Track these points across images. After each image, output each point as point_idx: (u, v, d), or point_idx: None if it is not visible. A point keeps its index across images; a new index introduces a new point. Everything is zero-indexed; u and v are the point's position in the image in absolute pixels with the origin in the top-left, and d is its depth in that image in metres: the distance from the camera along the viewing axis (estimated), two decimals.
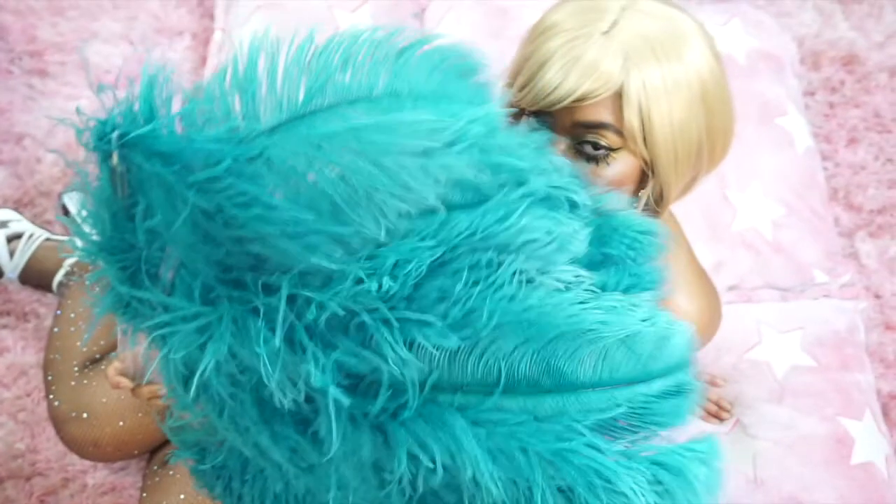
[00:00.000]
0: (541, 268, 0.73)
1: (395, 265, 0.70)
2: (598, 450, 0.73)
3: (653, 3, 0.91)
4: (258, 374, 0.71)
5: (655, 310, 0.77)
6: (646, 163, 0.92)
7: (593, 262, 0.79)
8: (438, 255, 0.70)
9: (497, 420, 0.73)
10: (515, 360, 0.72)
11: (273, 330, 0.69)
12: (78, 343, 1.38)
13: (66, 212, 1.56)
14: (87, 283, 0.77)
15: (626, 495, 0.73)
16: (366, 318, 0.70)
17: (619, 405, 0.73)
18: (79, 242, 0.74)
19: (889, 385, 1.53)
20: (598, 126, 0.89)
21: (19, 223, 1.56)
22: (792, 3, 1.89)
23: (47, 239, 1.55)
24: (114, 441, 1.32)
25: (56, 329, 1.41)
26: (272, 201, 0.66)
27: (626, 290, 0.79)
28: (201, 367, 0.71)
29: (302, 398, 0.72)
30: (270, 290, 0.70)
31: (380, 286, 0.69)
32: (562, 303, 0.73)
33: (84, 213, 0.73)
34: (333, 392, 0.70)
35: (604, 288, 0.78)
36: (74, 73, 1.77)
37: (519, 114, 0.95)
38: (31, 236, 1.54)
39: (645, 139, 0.89)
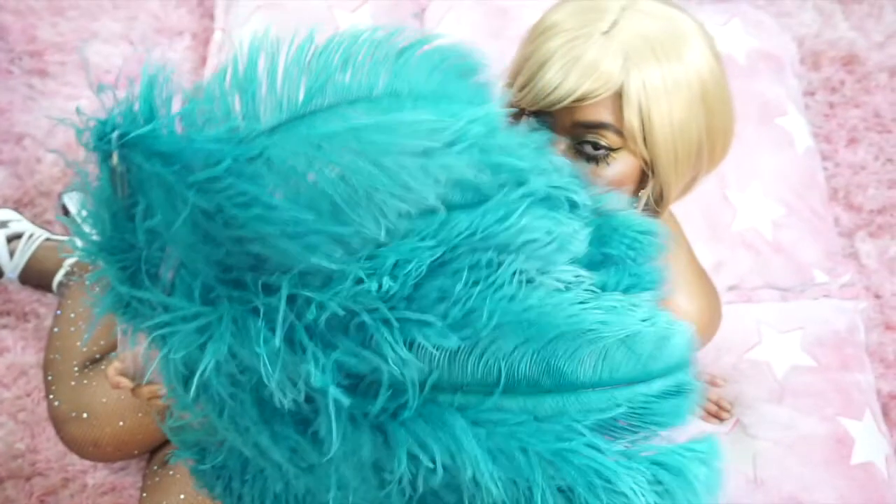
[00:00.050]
0: (541, 268, 0.73)
1: (395, 265, 0.70)
2: (598, 450, 0.73)
3: (653, 3, 0.91)
4: (258, 374, 0.71)
5: (655, 310, 0.77)
6: (646, 163, 0.92)
7: (593, 262, 0.79)
8: (438, 255, 0.70)
9: (497, 420, 0.73)
10: (515, 360, 0.72)
11: (273, 330, 0.69)
12: (78, 343, 1.38)
13: (66, 212, 1.56)
14: (87, 283, 0.77)
15: (625, 495, 0.73)
16: (366, 318, 0.70)
17: (619, 405, 0.73)
18: (79, 242, 0.74)
19: (889, 385, 1.53)
20: (598, 126, 0.89)
21: (19, 223, 1.56)
22: (792, 3, 1.89)
23: (47, 239, 1.55)
24: (114, 441, 1.32)
25: (56, 329, 1.41)
26: (272, 201, 0.66)
27: (626, 290, 0.79)
28: (201, 367, 0.71)
29: (302, 398, 0.72)
30: (270, 290, 0.70)
31: (380, 286, 0.69)
32: (562, 303, 0.73)
33: (84, 213, 0.73)
34: (333, 392, 0.70)
35: (604, 288, 0.78)
36: (74, 73, 1.77)
37: (519, 114, 0.95)
38: (31, 236, 1.54)
39: (645, 139, 0.89)
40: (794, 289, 1.53)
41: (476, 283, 0.71)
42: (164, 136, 0.66)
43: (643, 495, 0.73)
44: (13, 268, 1.53)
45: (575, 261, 0.76)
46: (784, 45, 1.74)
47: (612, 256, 0.80)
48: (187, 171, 0.65)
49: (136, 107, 0.67)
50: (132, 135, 0.66)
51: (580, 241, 0.76)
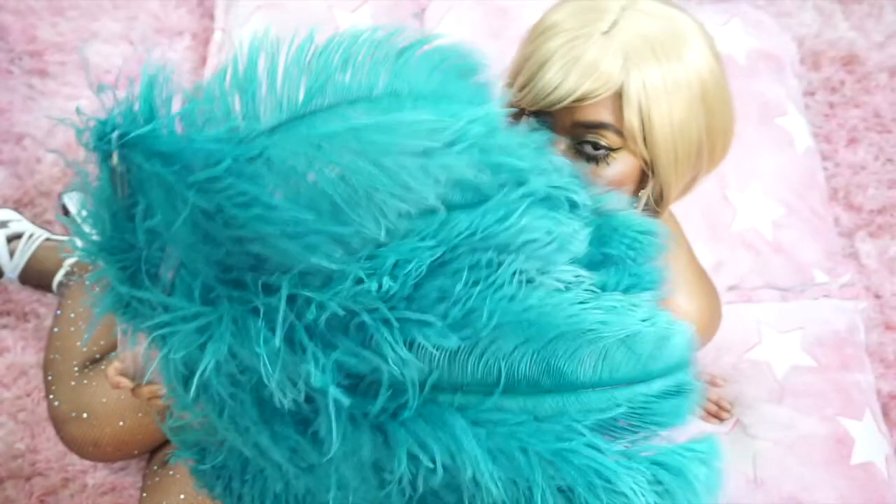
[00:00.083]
0: (541, 268, 0.73)
1: (395, 265, 0.70)
2: (599, 450, 0.73)
3: (653, 3, 0.91)
4: (258, 374, 0.71)
5: (655, 310, 0.77)
6: (646, 163, 0.92)
7: (593, 262, 0.79)
8: (438, 254, 0.70)
9: (497, 420, 0.73)
10: (515, 360, 0.72)
11: (273, 330, 0.69)
12: (78, 343, 1.38)
13: (66, 212, 1.56)
14: (87, 283, 0.77)
15: (625, 495, 0.73)
16: (366, 318, 0.70)
17: (619, 405, 0.73)
18: (79, 242, 0.74)
19: (889, 385, 1.53)
20: (598, 126, 0.89)
21: (19, 223, 1.56)
22: (792, 3, 1.89)
23: (47, 239, 1.55)
24: (114, 441, 1.32)
25: (56, 329, 1.41)
26: (272, 201, 0.66)
27: (626, 290, 0.79)
28: (201, 368, 0.71)
29: (302, 398, 0.72)
30: (270, 290, 0.70)
31: (380, 286, 0.69)
32: (562, 303, 0.73)
33: (84, 213, 0.73)
34: (333, 392, 0.70)
35: (604, 288, 0.78)
36: (74, 73, 1.77)
37: (519, 114, 0.95)
38: (31, 236, 1.54)
39: (645, 139, 0.89)
40: (794, 289, 1.53)
41: (476, 283, 0.71)
42: (164, 136, 0.66)
43: (643, 495, 0.73)
44: (13, 268, 1.53)
45: (575, 261, 0.76)
46: (784, 45, 1.74)
47: (612, 256, 0.80)
48: (187, 171, 0.65)
49: (136, 107, 0.67)
50: (132, 135, 0.66)
51: (580, 242, 0.76)
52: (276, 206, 0.66)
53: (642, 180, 0.94)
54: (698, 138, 0.92)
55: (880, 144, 1.74)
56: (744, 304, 1.50)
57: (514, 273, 0.72)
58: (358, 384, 0.72)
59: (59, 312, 1.43)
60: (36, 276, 1.53)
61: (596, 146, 0.90)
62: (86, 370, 1.36)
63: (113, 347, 1.38)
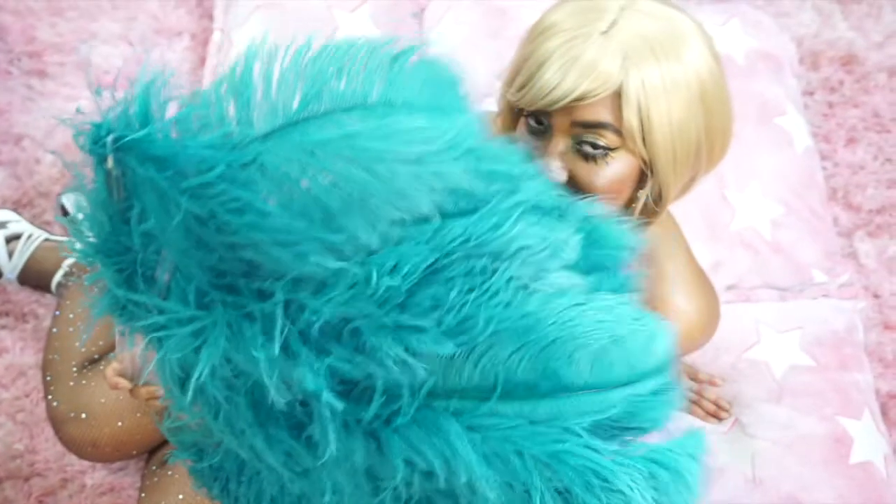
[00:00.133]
0: (534, 274, 0.73)
1: (389, 272, 0.69)
2: (594, 449, 0.73)
3: (652, 4, 0.91)
4: (253, 377, 0.71)
5: (642, 310, 0.77)
6: (645, 162, 0.92)
7: (584, 269, 0.79)
8: (432, 261, 0.70)
9: (492, 425, 0.72)
10: (513, 366, 0.72)
11: (267, 334, 0.69)
12: (77, 343, 1.38)
13: (64, 212, 1.56)
14: (85, 284, 0.77)
15: (623, 493, 0.73)
16: (359, 324, 0.70)
17: (613, 406, 0.73)
18: (76, 244, 0.74)
19: (888, 384, 1.53)
20: (597, 125, 0.89)
21: (18, 224, 1.56)
22: (791, 3, 1.89)
23: (46, 240, 1.55)
24: (112, 441, 1.32)
25: (55, 329, 1.41)
26: (265, 208, 0.66)
27: (614, 292, 0.79)
28: (196, 371, 0.71)
29: (297, 402, 0.72)
30: (264, 295, 0.70)
31: (373, 293, 0.69)
32: (558, 307, 0.73)
33: (80, 215, 0.73)
34: (326, 397, 0.70)
35: (595, 291, 0.78)
36: (73, 74, 1.77)
37: (518, 113, 0.95)
38: (29, 237, 1.54)
39: (644, 139, 0.89)
40: (793, 288, 1.53)
41: (471, 289, 0.71)
42: (158, 141, 0.66)
43: (640, 492, 0.73)
44: (12, 268, 1.53)
45: (567, 267, 0.76)
46: (783, 45, 1.74)
47: (601, 263, 0.80)
48: (181, 177, 0.65)
49: (132, 110, 0.67)
50: (127, 139, 0.66)
51: (572, 248, 0.76)
52: (269, 213, 0.66)
53: (641, 180, 0.94)
54: (697, 138, 0.92)
55: (879, 144, 1.74)
56: (742, 304, 1.50)
57: (508, 280, 0.72)
58: (352, 390, 0.72)
59: (57, 313, 1.43)
60: (35, 277, 1.53)
61: (595, 146, 0.90)
62: (84, 370, 1.36)
63: (111, 348, 1.38)
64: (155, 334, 0.73)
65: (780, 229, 1.55)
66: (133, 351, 1.04)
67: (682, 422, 0.78)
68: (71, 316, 1.41)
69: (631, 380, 0.73)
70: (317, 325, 0.69)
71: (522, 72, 0.91)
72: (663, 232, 1.04)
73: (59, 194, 1.59)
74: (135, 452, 1.35)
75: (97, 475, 1.42)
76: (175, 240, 0.68)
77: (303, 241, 0.67)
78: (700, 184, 1.00)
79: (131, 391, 1.08)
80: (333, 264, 0.68)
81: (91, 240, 0.73)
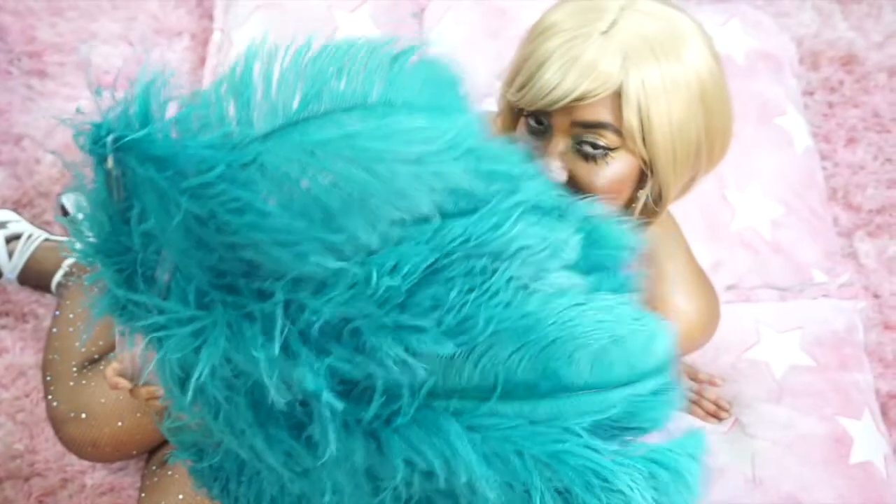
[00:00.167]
0: (534, 274, 0.73)
1: (389, 272, 0.69)
2: (594, 449, 0.73)
3: (652, 4, 0.91)
4: (253, 377, 0.71)
5: (642, 310, 0.77)
6: (645, 162, 0.92)
7: (584, 269, 0.79)
8: (432, 261, 0.70)
9: (492, 424, 0.72)
10: (513, 365, 0.72)
11: (267, 334, 0.69)
12: (77, 343, 1.38)
13: (64, 212, 1.56)
14: (85, 284, 0.77)
15: (623, 493, 0.73)
16: (359, 324, 0.70)
17: (613, 406, 0.73)
18: (76, 244, 0.74)
19: (888, 384, 1.53)
20: (597, 125, 0.89)
21: (18, 224, 1.56)
22: (791, 3, 1.89)
23: (46, 239, 1.55)
24: (112, 441, 1.32)
25: (55, 329, 1.41)
26: (265, 208, 0.66)
27: (614, 292, 0.79)
28: (196, 371, 0.71)
29: (297, 402, 0.72)
30: (264, 295, 0.70)
31: (373, 293, 0.69)
32: (559, 307, 0.73)
33: (80, 215, 0.73)
34: (326, 396, 0.70)
35: (595, 290, 0.78)
36: (73, 74, 1.77)
37: (518, 113, 0.95)
38: (29, 237, 1.54)
39: (644, 139, 0.89)
40: (793, 288, 1.53)
41: (471, 289, 0.71)
42: (158, 141, 0.66)
43: (640, 492, 0.73)
44: (12, 268, 1.53)
45: (567, 267, 0.76)
46: (783, 45, 1.74)
47: (601, 263, 0.80)
48: (181, 177, 0.65)
49: (132, 110, 0.67)
50: (127, 139, 0.66)
51: (572, 249, 0.76)
52: (269, 213, 0.66)
53: (641, 180, 0.94)
54: (697, 138, 0.92)
55: (879, 144, 1.74)
56: (742, 304, 1.50)
57: (508, 280, 0.72)
58: (352, 390, 0.72)
59: (57, 313, 1.43)
60: (35, 277, 1.53)
61: (595, 146, 0.90)
62: (84, 370, 1.36)
63: (111, 348, 1.38)
64: (155, 334, 0.73)
65: (780, 229, 1.55)
66: (133, 351, 1.04)
67: (681, 422, 0.78)
68: (71, 316, 1.41)
69: (631, 380, 0.73)
70: (317, 325, 0.69)
71: (522, 72, 0.91)
72: (663, 232, 1.04)
73: (59, 194, 1.59)
74: (135, 452, 1.35)
75: (97, 475, 1.42)
76: (175, 240, 0.68)
77: (303, 241, 0.67)
78: (700, 184, 1.00)
79: (131, 391, 1.08)
80: (333, 264, 0.68)
81: (91, 240, 0.74)
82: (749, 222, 1.55)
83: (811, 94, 1.79)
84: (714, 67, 0.92)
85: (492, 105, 1.51)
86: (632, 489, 0.73)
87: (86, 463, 1.42)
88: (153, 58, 1.74)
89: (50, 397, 1.35)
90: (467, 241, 0.71)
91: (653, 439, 0.77)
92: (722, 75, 0.94)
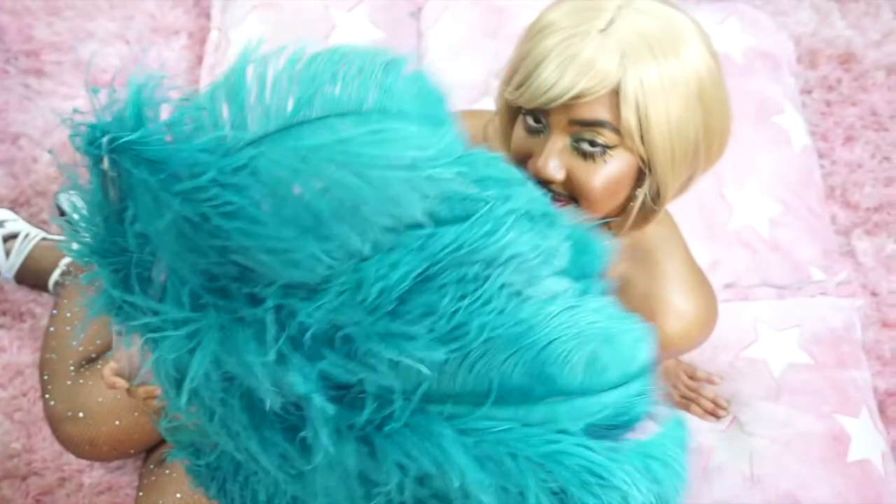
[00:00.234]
0: (527, 281, 0.73)
1: (380, 279, 0.69)
2: (589, 448, 0.73)
3: (650, 2, 0.91)
4: (246, 380, 0.71)
5: (627, 313, 0.77)
6: (643, 161, 0.92)
7: (573, 275, 0.79)
8: (424, 268, 0.70)
9: (484, 428, 0.72)
10: (507, 371, 0.72)
11: (259, 339, 0.69)
12: (74, 342, 1.37)
13: (61, 212, 1.56)
14: (82, 283, 0.77)
15: (619, 489, 0.73)
16: (350, 330, 0.70)
17: (606, 408, 0.73)
18: (72, 245, 0.74)
19: (885, 382, 1.53)
20: (595, 124, 0.89)
21: (15, 223, 1.56)
22: (789, 1, 1.89)
23: (43, 239, 1.55)
24: (110, 440, 1.32)
25: (52, 328, 1.41)
26: (256, 214, 0.66)
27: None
28: (190, 373, 0.71)
29: (290, 405, 0.72)
30: (255, 300, 0.70)
31: (364, 300, 0.69)
32: (552, 311, 0.73)
33: (76, 215, 0.73)
34: (318, 401, 0.70)
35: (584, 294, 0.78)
36: (71, 73, 1.77)
37: (516, 112, 0.95)
38: (27, 236, 1.54)
39: (642, 137, 0.89)
40: (791, 287, 1.53)
41: (463, 296, 0.71)
42: (152, 143, 0.66)
43: (637, 486, 0.73)
44: (9, 267, 1.53)
45: (558, 273, 0.76)
46: (781, 43, 1.74)
47: (588, 269, 0.80)
48: (174, 180, 0.65)
49: (127, 112, 0.67)
50: (121, 140, 0.66)
51: (562, 255, 0.76)
52: (259, 220, 0.66)
53: (639, 178, 0.94)
54: (695, 136, 0.92)
55: (877, 142, 1.74)
56: (740, 302, 1.50)
57: (501, 286, 0.72)
58: (344, 395, 0.72)
59: (55, 312, 1.43)
60: (32, 276, 1.53)
61: (593, 143, 0.90)
62: (82, 369, 1.36)
63: (109, 347, 1.38)
64: (150, 335, 0.73)
65: (777, 227, 1.55)
66: (130, 350, 1.04)
67: (663, 409, 0.78)
68: (68, 315, 1.41)
69: (622, 381, 0.73)
70: (308, 331, 0.69)
71: (520, 70, 0.91)
72: (661, 231, 1.04)
73: (56, 194, 1.59)
74: (132, 451, 1.35)
75: (95, 474, 1.42)
76: (168, 242, 0.68)
77: (293, 248, 0.67)
78: (698, 182, 1.00)
79: (129, 391, 1.08)
80: (324, 271, 0.68)
81: (87, 240, 0.73)
82: (747, 221, 1.55)
83: (809, 92, 1.79)
84: (712, 66, 0.92)
85: (490, 104, 1.51)
86: (628, 484, 0.73)
87: (83, 462, 1.42)
88: (150, 57, 1.74)
89: (47, 396, 1.35)
90: (459, 248, 0.71)
91: (640, 430, 0.77)
92: (720, 74, 0.93)
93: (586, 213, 0.91)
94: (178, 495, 1.27)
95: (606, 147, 0.90)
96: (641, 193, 0.94)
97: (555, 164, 0.91)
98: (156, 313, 0.72)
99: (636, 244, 1.02)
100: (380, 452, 0.72)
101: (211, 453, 0.89)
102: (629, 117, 0.88)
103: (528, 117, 0.92)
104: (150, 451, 1.36)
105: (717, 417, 1.41)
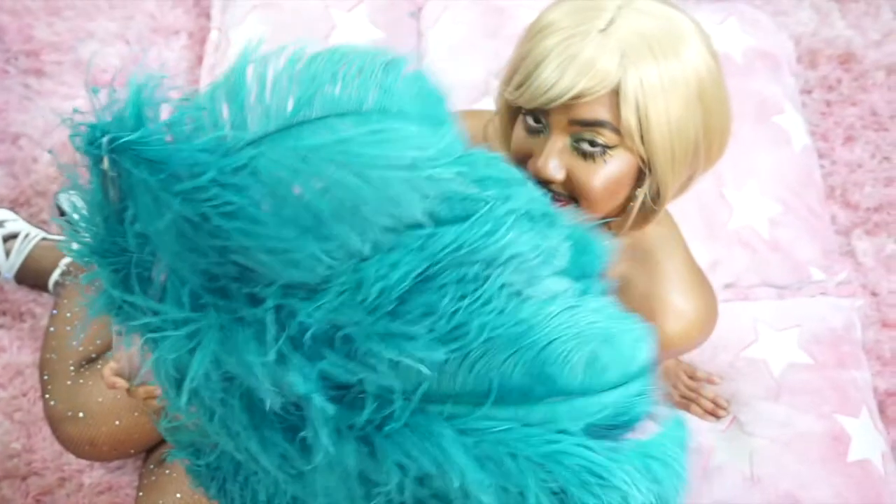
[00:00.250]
0: (527, 281, 0.73)
1: (380, 279, 0.69)
2: (589, 448, 0.73)
3: (650, 2, 0.91)
4: (246, 380, 0.71)
5: (627, 313, 0.77)
6: (643, 161, 0.92)
7: (573, 275, 0.79)
8: (424, 268, 0.70)
9: (485, 428, 0.72)
10: (508, 371, 0.72)
11: (259, 339, 0.69)
12: (74, 342, 1.37)
13: (61, 212, 1.56)
14: (82, 283, 0.77)
15: (619, 489, 0.73)
16: (350, 330, 0.70)
17: (606, 408, 0.73)
18: (72, 245, 0.74)
19: (885, 382, 1.53)
20: (595, 124, 0.89)
21: (15, 223, 1.56)
22: (789, 1, 1.89)
23: (43, 238, 1.55)
24: (110, 440, 1.32)
25: (52, 328, 1.41)
26: (256, 214, 0.66)
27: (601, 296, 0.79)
28: (190, 373, 0.71)
29: (290, 405, 0.72)
30: (255, 300, 0.70)
31: (364, 300, 0.69)
32: (552, 311, 0.73)
33: (76, 215, 0.73)
34: (318, 400, 0.70)
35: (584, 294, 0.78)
36: (71, 73, 1.77)
37: (516, 112, 0.95)
38: (27, 236, 1.54)
39: (642, 137, 0.89)
40: (791, 287, 1.53)
41: (463, 296, 0.71)
42: (152, 143, 0.66)
43: (637, 486, 0.73)
44: (9, 267, 1.53)
45: (558, 273, 0.76)
46: (781, 43, 1.74)
47: (587, 269, 0.80)
48: (174, 180, 0.65)
49: (127, 112, 0.67)
50: (121, 140, 0.66)
51: (562, 255, 0.76)
52: (259, 220, 0.66)
53: (639, 178, 0.94)
54: (695, 136, 0.92)
55: (877, 142, 1.74)
56: (740, 302, 1.50)
57: (501, 286, 0.71)
58: (344, 395, 0.72)
59: (55, 312, 1.43)
60: (32, 276, 1.53)
61: (593, 143, 0.90)
62: (82, 369, 1.36)
63: (109, 347, 1.38)
64: (150, 335, 0.73)
65: (777, 227, 1.55)
66: (130, 351, 1.04)
67: (663, 409, 0.78)
68: (68, 315, 1.41)
69: (622, 381, 0.73)
70: (308, 331, 0.69)
71: (520, 70, 0.91)
72: (661, 231, 1.04)
73: (56, 193, 1.59)
74: (132, 451, 1.35)
75: (95, 474, 1.42)
76: (168, 242, 0.68)
77: (293, 247, 0.67)
78: (698, 182, 1.00)
79: (129, 391, 1.08)
80: (324, 271, 0.68)
81: (87, 240, 0.73)
82: (747, 221, 1.55)
83: (809, 92, 1.79)
84: (712, 66, 0.92)
85: (490, 104, 1.51)
86: (628, 484, 0.73)
87: (83, 462, 1.42)
88: (150, 57, 1.74)
89: (47, 396, 1.35)
90: (459, 248, 0.71)
91: (640, 430, 0.77)
92: (720, 74, 0.93)
93: (586, 213, 0.91)
94: (178, 495, 1.27)
95: (606, 147, 0.90)
96: (641, 193, 0.94)
97: (555, 164, 0.91)
98: (156, 313, 0.72)
99: (636, 244, 1.02)
100: (380, 452, 0.72)
101: (211, 453, 0.89)
102: (629, 117, 0.88)
103: (528, 117, 0.92)
104: (150, 451, 1.36)
105: (717, 417, 1.41)
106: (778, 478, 1.35)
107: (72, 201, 0.75)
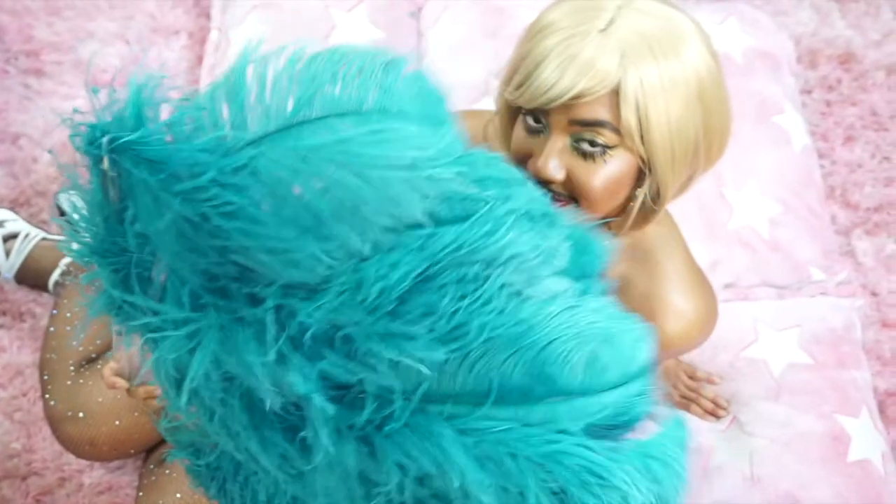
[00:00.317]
0: (527, 281, 0.73)
1: (380, 279, 0.69)
2: (589, 448, 0.73)
3: (650, 2, 0.91)
4: (246, 380, 0.71)
5: (627, 313, 0.77)
6: (643, 161, 0.92)
7: (573, 275, 0.79)
8: (424, 268, 0.70)
9: (484, 428, 0.72)
10: (508, 371, 0.72)
11: (259, 339, 0.69)
12: (74, 342, 1.38)
13: (61, 212, 1.56)
14: (82, 283, 0.77)
15: (619, 489, 0.73)
16: (350, 330, 0.70)
17: (606, 408, 0.73)
18: (72, 245, 0.74)
19: (885, 382, 1.53)
20: (595, 124, 0.89)
21: (15, 223, 1.56)
22: (789, 1, 1.89)
23: (43, 238, 1.55)
24: (110, 440, 1.32)
25: (52, 328, 1.41)
26: (256, 214, 0.66)
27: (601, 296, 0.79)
28: (190, 373, 0.71)
29: (290, 405, 0.72)
30: (255, 300, 0.70)
31: (364, 300, 0.69)
32: (552, 311, 0.73)
33: (76, 215, 0.73)
34: (317, 400, 0.70)
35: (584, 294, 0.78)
36: (71, 73, 1.77)
37: (516, 112, 0.95)
38: (27, 236, 1.54)
39: (642, 137, 0.89)
40: (791, 287, 1.53)
41: (463, 296, 0.71)
42: (152, 143, 0.66)
43: (637, 486, 0.73)
44: (9, 267, 1.53)
45: (558, 273, 0.76)
46: (781, 43, 1.74)
47: (587, 269, 0.80)
48: (174, 180, 0.65)
49: (127, 112, 0.67)
50: (121, 140, 0.66)
51: (562, 255, 0.76)
52: (259, 220, 0.66)
53: (639, 178, 0.94)
54: (695, 136, 0.92)
55: (877, 142, 1.74)
56: (740, 302, 1.50)
57: (501, 286, 0.71)
58: (344, 395, 0.72)
59: (55, 312, 1.43)
60: (32, 276, 1.53)
61: (593, 143, 0.90)
62: (82, 369, 1.36)
63: (109, 347, 1.38)
64: (150, 335, 0.73)
65: (777, 227, 1.55)
66: (130, 351, 1.04)
67: (663, 409, 0.78)
68: (68, 315, 1.41)
69: (622, 381, 0.73)
70: (308, 331, 0.69)
71: (520, 70, 0.91)
72: (661, 231, 1.04)
73: (56, 193, 1.59)
74: (132, 451, 1.35)
75: (95, 474, 1.42)
76: (168, 242, 0.68)
77: (293, 247, 0.67)
78: (698, 182, 1.00)
79: (129, 391, 1.08)
80: (324, 271, 0.68)
81: (87, 240, 0.73)
82: (747, 221, 1.55)
83: (809, 92, 1.79)
84: (712, 66, 0.92)
85: (490, 104, 1.51)
86: (628, 484, 0.73)
87: (83, 462, 1.42)
88: (150, 57, 1.74)
89: (47, 396, 1.35)
90: (459, 248, 0.71)
91: (640, 430, 0.77)
92: (720, 74, 0.93)
93: (586, 213, 0.91)
94: (178, 495, 1.27)
95: (606, 147, 0.90)
96: (641, 193, 0.94)
97: (555, 164, 0.91)
98: (156, 313, 0.72)
99: (636, 244, 1.02)
100: (380, 452, 0.72)
101: (211, 453, 0.89)
102: (629, 117, 0.88)
103: (528, 117, 0.92)
104: (150, 451, 1.36)
105: (717, 417, 1.41)
106: (778, 478, 1.35)
107: (72, 201, 0.75)
